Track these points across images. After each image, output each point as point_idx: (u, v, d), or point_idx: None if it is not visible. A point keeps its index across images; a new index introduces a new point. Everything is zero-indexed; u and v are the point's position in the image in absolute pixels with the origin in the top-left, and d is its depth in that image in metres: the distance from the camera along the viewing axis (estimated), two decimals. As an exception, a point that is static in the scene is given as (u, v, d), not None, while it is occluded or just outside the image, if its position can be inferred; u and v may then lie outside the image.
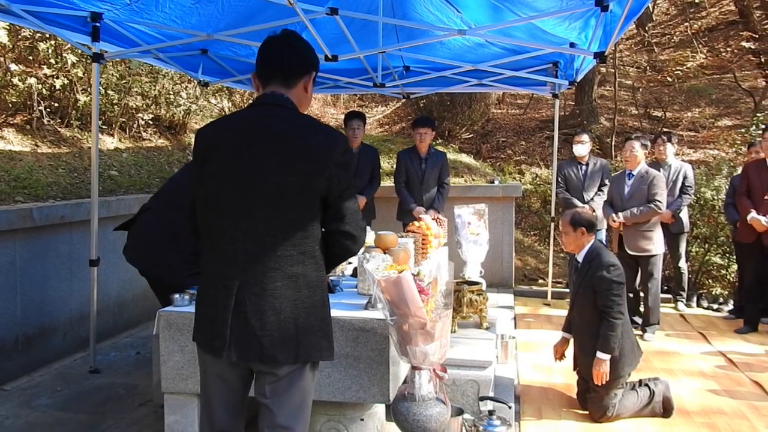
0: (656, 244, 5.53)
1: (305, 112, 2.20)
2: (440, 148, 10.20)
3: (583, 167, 6.44)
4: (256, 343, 2.01)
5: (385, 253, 3.42)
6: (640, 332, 5.53)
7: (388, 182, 8.40)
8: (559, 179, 6.53)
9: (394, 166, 6.94)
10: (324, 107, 14.26)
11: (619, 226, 5.61)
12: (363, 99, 14.71)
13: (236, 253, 2.03)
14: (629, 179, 5.63)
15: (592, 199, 6.35)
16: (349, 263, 4.04)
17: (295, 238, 2.03)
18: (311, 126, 2.10)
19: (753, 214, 5.48)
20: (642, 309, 5.80)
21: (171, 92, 8.27)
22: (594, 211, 6.15)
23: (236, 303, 2.02)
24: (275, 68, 2.13)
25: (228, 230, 2.04)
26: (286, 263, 2.03)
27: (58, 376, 4.52)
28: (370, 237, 4.97)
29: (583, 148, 6.40)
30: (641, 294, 5.78)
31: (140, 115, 7.71)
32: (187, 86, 8.52)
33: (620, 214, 5.53)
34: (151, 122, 7.99)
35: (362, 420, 3.05)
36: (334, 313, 2.94)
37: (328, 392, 2.92)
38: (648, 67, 13.35)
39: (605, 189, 6.40)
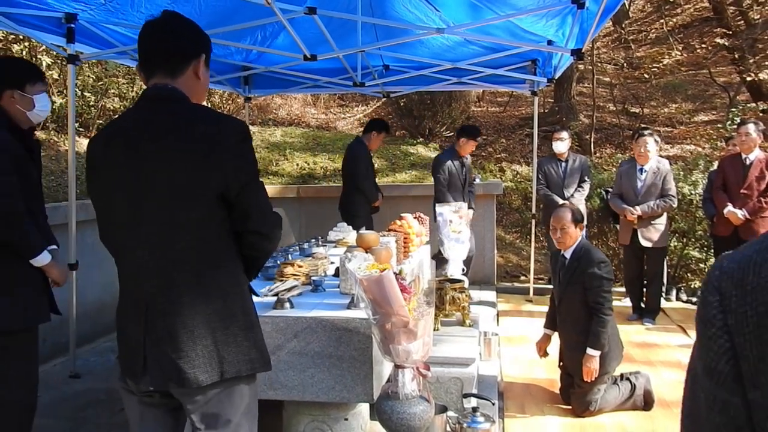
0: (666, 237, 5.89)
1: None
2: (420, 148, 10.26)
3: (563, 164, 6.49)
4: (173, 366, 1.76)
5: (366, 252, 3.42)
6: (640, 321, 5.88)
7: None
8: (540, 176, 6.59)
9: (378, 165, 6.94)
10: (304, 107, 14.21)
11: (634, 220, 5.74)
12: (343, 98, 14.70)
13: (139, 267, 1.81)
14: (641, 174, 5.82)
15: (572, 195, 6.41)
16: (332, 263, 4.03)
17: (196, 244, 1.80)
18: (199, 116, 1.83)
19: (729, 207, 5.56)
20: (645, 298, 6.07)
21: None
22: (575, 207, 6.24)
23: (146, 322, 1.79)
24: (157, 56, 1.86)
25: (127, 243, 1.83)
26: (191, 274, 1.80)
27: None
28: (352, 236, 4.98)
29: (562, 144, 6.45)
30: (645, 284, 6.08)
31: (117, 116, 7.64)
32: (140, 94, 8.45)
33: (638, 207, 5.72)
34: (105, 125, 7.92)
35: (346, 420, 3.05)
36: (317, 312, 2.96)
37: (311, 393, 2.91)
38: (625, 64, 13.50)
39: (585, 185, 6.47)
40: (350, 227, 5.29)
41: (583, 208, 6.41)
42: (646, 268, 6.06)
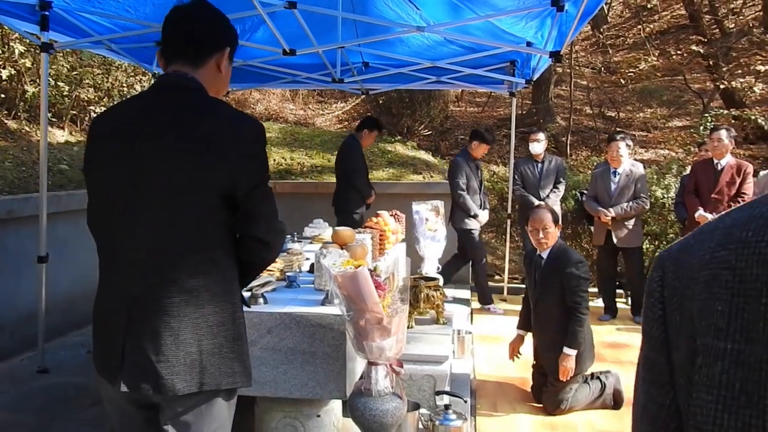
0: (640, 237, 6.06)
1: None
2: (398, 145, 10.26)
3: (539, 165, 6.56)
4: (151, 370, 1.66)
5: (342, 248, 3.41)
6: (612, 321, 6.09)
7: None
8: (516, 177, 6.64)
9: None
10: (282, 103, 14.15)
11: (608, 221, 5.85)
12: (322, 95, 14.65)
13: (130, 264, 1.71)
14: (615, 177, 5.96)
15: (547, 196, 6.47)
16: (307, 259, 4.02)
17: (194, 244, 1.71)
18: (214, 110, 1.75)
19: (700, 211, 5.66)
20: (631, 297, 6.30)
21: (125, 85, 8.09)
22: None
23: (130, 322, 1.69)
24: (180, 42, 1.79)
25: (120, 237, 1.73)
26: (185, 275, 1.69)
27: (5, 376, 4.37)
28: (327, 232, 4.97)
29: (539, 146, 6.51)
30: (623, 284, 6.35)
31: (92, 107, 7.52)
32: (141, 79, 8.35)
33: (611, 209, 5.85)
34: (114, 104, 7.82)
35: (318, 416, 3.04)
36: (291, 308, 2.94)
37: (283, 389, 2.90)
38: (602, 68, 13.66)
39: (560, 187, 6.54)
40: (326, 224, 5.28)
41: (558, 209, 6.49)
42: (624, 269, 6.26)
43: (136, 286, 1.71)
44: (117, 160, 1.72)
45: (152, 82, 8.36)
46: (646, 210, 6.03)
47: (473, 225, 6.28)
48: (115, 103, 1.93)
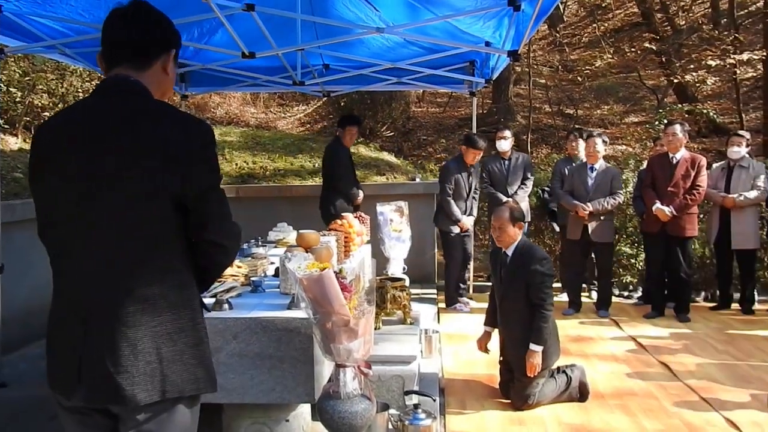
0: (613, 232, 6.22)
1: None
2: (361, 147, 10.26)
3: (506, 162, 6.64)
4: (110, 381, 1.62)
5: (307, 251, 3.40)
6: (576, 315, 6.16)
7: (312, 182, 8.36)
8: (484, 175, 6.71)
9: (320, 164, 6.93)
10: (243, 106, 14.01)
11: (585, 216, 5.96)
12: (283, 98, 14.57)
13: (84, 274, 1.68)
14: (592, 172, 6.07)
15: (515, 192, 6.55)
16: (272, 263, 3.99)
17: (148, 251, 1.68)
18: (161, 114, 1.71)
19: (657, 204, 5.79)
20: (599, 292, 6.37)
21: (80, 90, 7.90)
22: (517, 204, 6.39)
23: (86, 333, 1.65)
24: (123, 45, 1.74)
25: (73, 248, 1.69)
26: (140, 283, 1.66)
27: (-40, 393, 4.23)
28: (292, 236, 4.94)
29: (505, 143, 6.60)
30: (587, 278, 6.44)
31: (46, 114, 7.33)
32: (97, 84, 8.17)
33: (589, 204, 5.93)
34: (56, 113, 7.62)
35: (287, 421, 3.02)
36: (257, 313, 2.92)
37: (251, 395, 2.88)
38: (560, 67, 13.89)
39: (528, 183, 6.64)
40: (290, 227, 5.25)
41: (525, 206, 6.59)
42: (595, 263, 6.38)
43: (90, 297, 1.67)
44: (66, 168, 1.67)
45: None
46: (620, 205, 6.18)
47: (453, 229, 6.33)
48: (53, 115, 1.85)
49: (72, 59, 5.38)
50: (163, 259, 1.70)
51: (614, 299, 6.51)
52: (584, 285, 6.74)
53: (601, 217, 5.99)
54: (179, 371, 1.70)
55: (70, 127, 1.72)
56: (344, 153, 6.54)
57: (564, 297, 6.76)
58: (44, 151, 1.73)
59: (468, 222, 6.36)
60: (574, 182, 6.19)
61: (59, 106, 7.66)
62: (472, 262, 7.08)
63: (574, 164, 6.53)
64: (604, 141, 6.16)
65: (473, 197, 6.49)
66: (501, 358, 4.10)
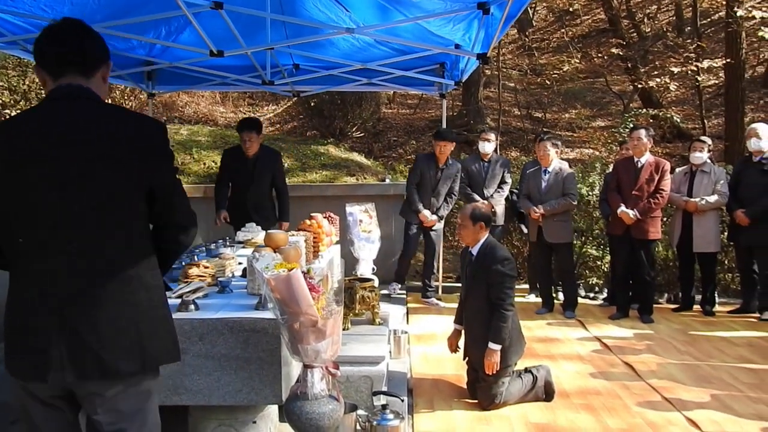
0: (570, 233, 6.26)
1: None
2: (331, 148, 10.23)
3: (485, 164, 6.70)
4: (93, 358, 1.82)
5: (275, 251, 3.37)
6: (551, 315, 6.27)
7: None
8: (463, 175, 6.75)
9: (290, 165, 6.85)
10: (212, 105, 13.86)
11: (538, 218, 6.07)
12: (253, 97, 14.45)
13: (59, 265, 1.83)
14: (545, 175, 6.18)
15: (491, 195, 6.61)
16: (240, 264, 3.96)
17: (124, 239, 1.90)
18: (121, 116, 1.95)
19: (622, 207, 5.90)
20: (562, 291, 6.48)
21: (42, 88, 7.73)
22: (493, 207, 6.47)
23: (61, 318, 1.81)
24: (72, 56, 1.90)
25: (45, 241, 1.83)
26: (117, 268, 1.87)
27: None
28: (260, 236, 4.90)
29: (489, 146, 6.67)
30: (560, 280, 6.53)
31: (8, 111, 7.15)
32: (50, 91, 8.00)
33: (540, 206, 6.05)
34: (11, 116, 7.45)
35: (255, 423, 2.99)
36: (224, 314, 2.89)
37: (218, 396, 2.84)
38: (529, 71, 14.05)
39: (505, 186, 6.70)
40: (259, 227, 5.21)
41: (501, 209, 6.67)
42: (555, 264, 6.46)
43: (65, 285, 1.83)
44: (40, 168, 1.81)
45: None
46: (573, 206, 6.25)
47: (413, 219, 6.41)
48: (8, 117, 2.04)
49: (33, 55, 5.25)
50: (136, 245, 1.93)
51: (580, 300, 6.61)
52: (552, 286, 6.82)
53: (554, 218, 6.08)
54: (155, 344, 1.94)
55: (38, 129, 1.85)
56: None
57: (532, 298, 6.85)
58: (12, 153, 1.83)
59: (427, 216, 6.37)
60: (530, 185, 6.30)
61: (21, 103, 7.49)
62: (440, 262, 7.11)
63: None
64: (554, 144, 6.24)
65: (446, 199, 6.50)
66: (466, 358, 4.12)
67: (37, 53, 1.93)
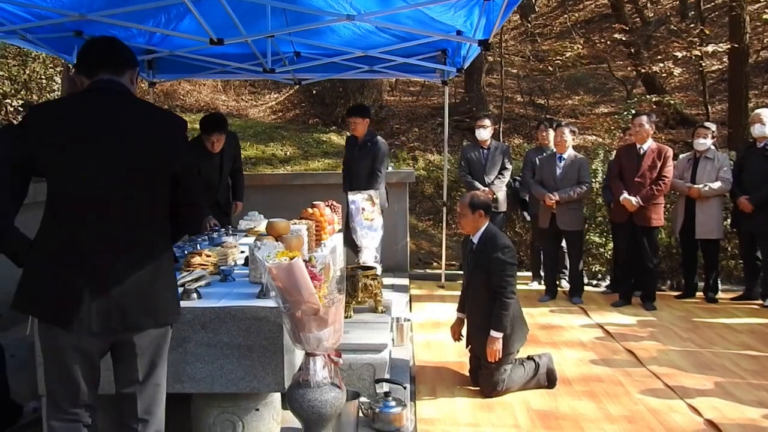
0: (582, 220, 6.30)
1: None
2: (333, 136, 10.22)
3: (485, 151, 6.67)
4: (118, 312, 2.13)
5: (277, 240, 3.37)
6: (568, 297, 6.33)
7: (283, 170, 8.32)
8: (462, 163, 6.74)
9: (291, 153, 6.83)
10: (214, 94, 13.83)
11: (552, 205, 6.06)
12: (255, 85, 14.41)
13: (92, 229, 2.13)
14: (560, 162, 6.16)
15: (492, 182, 6.59)
16: (242, 252, 3.96)
17: (147, 212, 2.22)
18: (153, 110, 2.33)
19: (624, 194, 5.88)
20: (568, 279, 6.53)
21: (43, 77, 7.71)
22: (494, 194, 6.44)
23: (92, 271, 2.11)
24: (105, 57, 2.25)
25: (83, 209, 2.13)
26: (141, 236, 2.20)
27: None
28: (262, 225, 4.89)
29: (485, 132, 6.63)
30: (567, 265, 6.56)
31: (8, 101, 7.14)
32: (61, 71, 7.98)
33: (556, 193, 6.04)
34: (21, 108, 7.43)
35: (257, 410, 3.01)
36: (226, 303, 2.90)
37: (220, 384, 2.86)
38: (531, 57, 13.97)
39: (506, 173, 6.66)
40: (261, 216, 5.20)
41: (502, 195, 6.63)
42: (566, 251, 6.48)
43: (97, 247, 2.13)
44: (74, 146, 2.12)
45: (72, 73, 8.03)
46: (587, 194, 6.27)
47: None
48: (52, 99, 2.32)
49: (34, 45, 5.23)
50: (157, 217, 2.26)
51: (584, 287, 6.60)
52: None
53: (568, 206, 6.07)
54: (167, 305, 2.27)
55: (79, 114, 2.16)
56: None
57: (534, 285, 6.85)
58: (56, 133, 2.13)
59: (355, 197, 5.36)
60: (543, 172, 6.28)
61: (21, 93, 7.47)
62: (443, 249, 7.11)
63: (544, 154, 6.59)
64: (572, 131, 6.26)
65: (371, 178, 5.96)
66: (468, 346, 4.13)
67: (77, 61, 2.31)
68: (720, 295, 6.37)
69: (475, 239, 4.02)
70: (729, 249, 7.11)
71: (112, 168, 2.13)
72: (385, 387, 3.63)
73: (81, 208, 2.13)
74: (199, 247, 3.87)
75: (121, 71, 2.25)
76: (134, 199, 2.17)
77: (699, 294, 6.40)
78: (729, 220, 6.50)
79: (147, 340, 2.23)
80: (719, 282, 6.50)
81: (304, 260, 2.76)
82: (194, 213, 2.45)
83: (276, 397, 3.15)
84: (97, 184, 2.13)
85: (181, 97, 12.99)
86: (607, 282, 7.01)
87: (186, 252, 3.67)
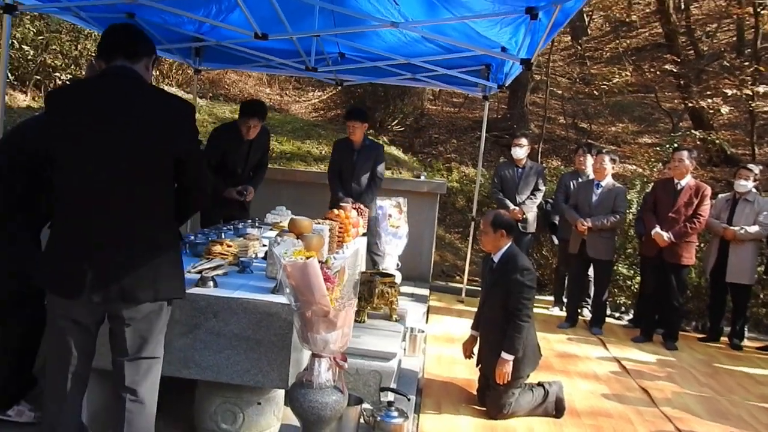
0: (612, 250, 6.18)
1: None
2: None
3: (519, 170, 6.61)
4: (117, 285, 2.22)
5: (297, 238, 3.38)
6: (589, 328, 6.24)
7: (316, 168, 8.37)
8: (495, 180, 6.71)
9: (327, 152, 6.87)
10: (259, 86, 13.99)
11: (584, 231, 5.96)
12: (300, 81, 14.54)
13: (100, 207, 2.23)
14: (597, 189, 6.08)
15: (523, 202, 6.52)
16: (263, 246, 3.98)
17: (152, 192, 2.30)
18: (159, 93, 2.40)
19: (657, 229, 5.76)
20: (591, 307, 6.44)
21: (93, 54, 7.90)
22: (524, 213, 6.38)
23: (95, 245, 2.22)
24: (122, 44, 2.35)
25: (92, 186, 2.23)
26: (146, 215, 2.29)
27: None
28: (287, 220, 4.92)
29: (521, 151, 6.57)
30: (590, 294, 6.48)
31: (57, 74, 7.33)
32: (104, 69, 8.16)
33: (589, 220, 5.96)
34: (69, 83, 7.62)
35: (259, 404, 3.02)
36: (240, 294, 2.92)
37: (226, 374, 2.87)
38: (578, 79, 13.80)
39: (538, 194, 6.59)
40: (288, 211, 5.23)
41: (532, 216, 6.56)
42: (591, 280, 6.39)
43: (104, 225, 2.23)
44: (88, 127, 2.22)
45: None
46: (621, 225, 6.16)
47: None
48: (71, 81, 2.40)
49: (86, 22, 5.36)
50: (162, 197, 2.35)
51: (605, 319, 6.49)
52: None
53: (600, 234, 5.97)
54: (167, 282, 2.35)
55: (93, 97, 2.27)
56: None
57: (555, 311, 6.75)
58: (71, 115, 2.25)
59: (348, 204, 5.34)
60: (578, 197, 6.19)
61: (71, 68, 7.66)
62: (467, 264, 7.05)
63: (580, 179, 6.50)
64: (612, 159, 6.17)
65: (370, 185, 5.87)
66: (479, 365, 4.09)
67: (97, 46, 2.40)
68: (745, 342, 6.20)
69: (496, 258, 3.97)
70: (761, 297, 6.90)
71: (113, 162, 2.22)
72: (390, 396, 3.61)
73: (86, 201, 2.24)
74: (223, 236, 3.91)
75: (136, 58, 2.35)
76: (135, 193, 2.26)
77: (723, 339, 6.23)
78: (763, 267, 6.32)
79: (139, 315, 2.31)
80: (746, 329, 6.32)
81: (321, 261, 2.76)
82: (197, 195, 2.49)
83: (279, 393, 3.15)
84: (99, 179, 2.22)
85: (227, 86, 13.17)
86: (630, 316, 6.88)
87: (209, 240, 3.71)
